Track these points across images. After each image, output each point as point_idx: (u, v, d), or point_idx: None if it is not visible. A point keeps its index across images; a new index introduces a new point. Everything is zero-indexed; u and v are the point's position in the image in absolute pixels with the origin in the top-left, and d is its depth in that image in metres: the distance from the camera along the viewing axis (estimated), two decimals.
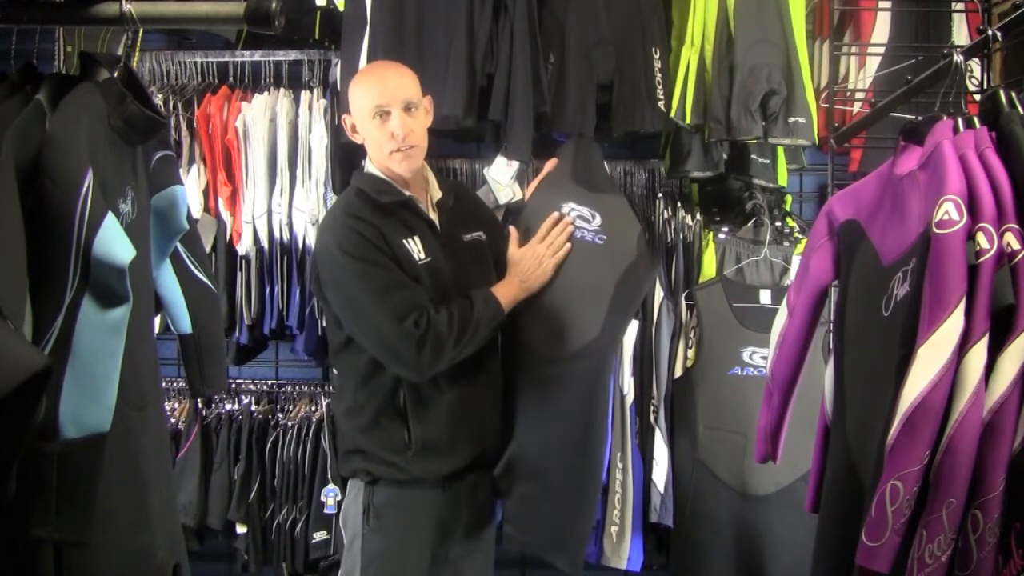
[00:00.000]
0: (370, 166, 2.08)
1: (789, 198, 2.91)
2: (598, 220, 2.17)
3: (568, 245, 2.13)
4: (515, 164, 2.68)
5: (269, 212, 2.77)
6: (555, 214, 2.16)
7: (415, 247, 2.00)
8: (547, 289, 2.14)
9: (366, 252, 1.95)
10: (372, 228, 1.96)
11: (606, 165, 2.53)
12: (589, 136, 2.49)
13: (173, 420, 2.95)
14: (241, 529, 2.88)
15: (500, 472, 2.12)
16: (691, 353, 2.65)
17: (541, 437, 2.12)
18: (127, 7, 1.54)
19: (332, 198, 2.73)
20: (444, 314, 1.94)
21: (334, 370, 2.82)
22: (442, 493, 2.04)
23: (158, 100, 2.77)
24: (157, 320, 1.95)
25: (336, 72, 2.75)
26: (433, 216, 2.09)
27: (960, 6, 2.65)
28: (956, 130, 1.35)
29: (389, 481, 2.02)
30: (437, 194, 2.11)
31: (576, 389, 2.12)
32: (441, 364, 1.95)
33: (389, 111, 1.98)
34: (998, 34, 1.43)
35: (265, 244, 2.78)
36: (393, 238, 1.98)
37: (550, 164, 2.30)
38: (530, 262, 2.11)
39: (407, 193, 2.04)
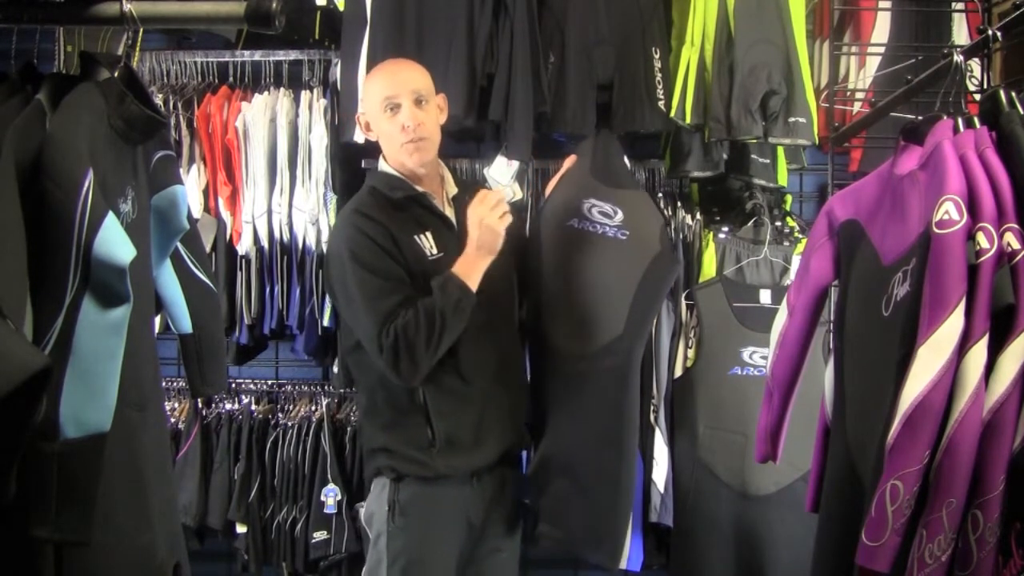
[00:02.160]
0: (384, 164, 2.09)
1: (789, 198, 2.91)
2: (620, 215, 2.16)
3: (505, 204, 2.01)
4: (515, 164, 2.68)
5: (269, 212, 2.77)
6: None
7: (427, 243, 2.00)
8: (572, 286, 2.13)
9: (368, 255, 1.95)
10: (380, 227, 1.96)
11: (626, 158, 2.52)
12: (607, 131, 2.48)
13: (173, 420, 2.94)
14: (241, 529, 2.88)
15: (533, 471, 2.12)
16: (691, 353, 2.65)
17: (572, 434, 2.12)
18: (127, 7, 1.54)
19: (332, 198, 2.73)
20: (411, 317, 1.90)
21: (335, 369, 2.83)
22: (469, 490, 2.04)
23: (158, 100, 2.77)
24: (157, 320, 1.94)
25: (336, 72, 2.75)
26: (449, 212, 2.09)
27: (960, 6, 2.65)
28: (956, 130, 1.34)
29: (415, 478, 2.01)
30: (453, 190, 2.12)
31: (605, 385, 2.12)
32: (421, 367, 1.92)
33: (399, 103, 1.99)
34: (998, 34, 1.43)
35: (265, 244, 2.78)
36: (403, 235, 1.98)
37: (570, 160, 2.29)
38: (473, 226, 1.99)
39: (420, 188, 2.04)
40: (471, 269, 1.98)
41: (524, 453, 2.28)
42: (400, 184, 2.04)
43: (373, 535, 2.07)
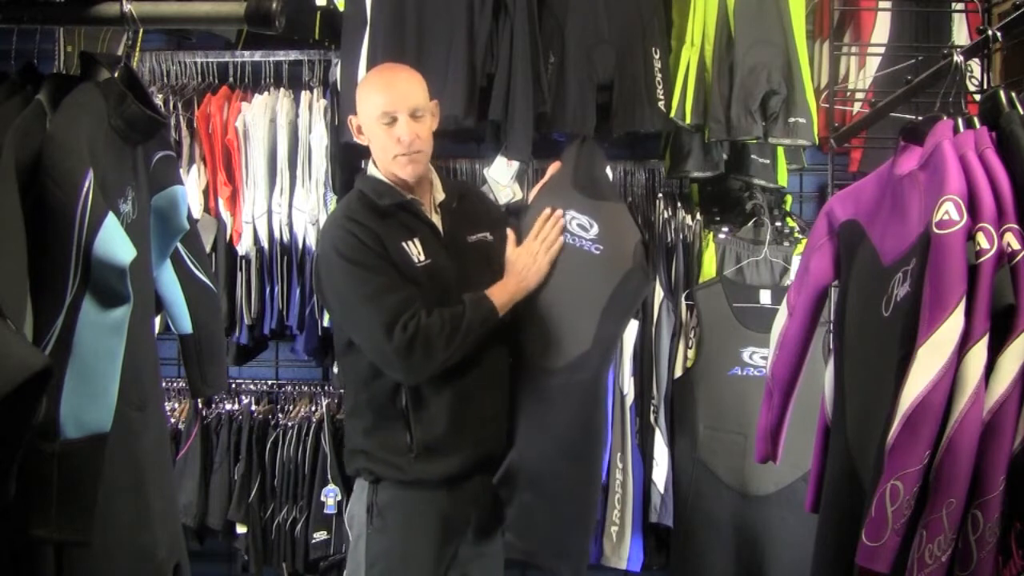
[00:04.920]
0: (372, 168, 2.08)
1: (789, 198, 2.91)
2: (596, 229, 2.14)
3: (561, 240, 2.08)
4: (515, 164, 2.68)
5: (269, 212, 2.77)
6: (547, 210, 2.12)
7: (414, 249, 2.00)
8: (544, 299, 2.11)
9: (361, 256, 1.94)
10: (368, 231, 1.96)
11: (608, 169, 2.51)
12: (592, 139, 2.48)
13: (173, 420, 2.95)
14: (241, 529, 2.89)
15: (499, 480, 2.11)
16: (691, 353, 2.65)
17: (540, 447, 2.11)
18: (127, 7, 1.54)
19: (332, 198, 2.73)
20: (436, 317, 1.92)
21: (335, 369, 2.83)
22: (446, 494, 2.03)
23: (158, 100, 2.77)
24: (157, 320, 1.94)
25: (336, 72, 2.75)
26: (435, 218, 2.08)
27: (960, 6, 2.65)
28: (956, 130, 1.34)
29: (392, 481, 2.02)
30: (440, 196, 2.11)
31: (573, 400, 2.10)
32: (431, 367, 1.93)
33: (396, 117, 1.98)
34: (998, 34, 1.43)
35: (265, 244, 2.78)
36: (391, 241, 1.98)
37: (553, 167, 2.29)
38: (525, 260, 2.06)
39: (408, 196, 2.04)
40: (506, 297, 2.02)
41: None
42: (388, 191, 2.03)
43: (353, 537, 2.08)
